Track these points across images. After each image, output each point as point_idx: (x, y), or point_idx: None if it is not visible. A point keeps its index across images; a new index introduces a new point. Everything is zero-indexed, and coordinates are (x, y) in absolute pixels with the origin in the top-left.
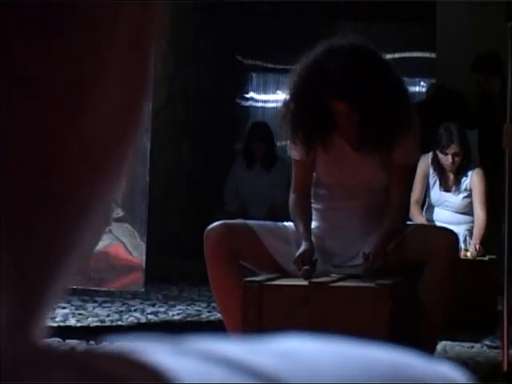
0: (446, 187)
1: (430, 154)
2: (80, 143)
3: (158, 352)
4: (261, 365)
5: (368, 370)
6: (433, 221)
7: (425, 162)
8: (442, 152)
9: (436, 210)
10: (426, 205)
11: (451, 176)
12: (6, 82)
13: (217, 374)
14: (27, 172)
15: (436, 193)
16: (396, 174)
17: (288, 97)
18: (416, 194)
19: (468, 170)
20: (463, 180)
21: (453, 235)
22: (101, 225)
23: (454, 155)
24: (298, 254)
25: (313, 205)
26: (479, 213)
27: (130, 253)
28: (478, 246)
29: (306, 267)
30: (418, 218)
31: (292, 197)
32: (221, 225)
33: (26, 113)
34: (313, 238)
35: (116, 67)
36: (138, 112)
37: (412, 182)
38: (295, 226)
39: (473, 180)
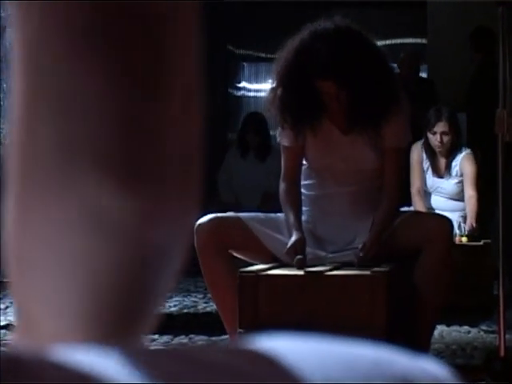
0: (438, 173)
1: (423, 138)
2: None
3: None
4: (245, 367)
5: (351, 368)
6: (432, 208)
7: (418, 149)
8: (430, 131)
9: (432, 196)
10: (422, 192)
11: (443, 161)
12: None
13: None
14: None
15: (429, 179)
16: (387, 159)
17: (275, 81)
18: (416, 182)
19: (458, 154)
20: (453, 164)
21: (447, 221)
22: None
23: (442, 134)
24: (289, 244)
25: (304, 192)
26: (470, 192)
27: None
28: (474, 225)
29: (299, 257)
30: (420, 208)
31: (282, 186)
32: (211, 218)
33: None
34: (306, 225)
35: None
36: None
37: (403, 165)
38: (285, 215)
39: (463, 164)
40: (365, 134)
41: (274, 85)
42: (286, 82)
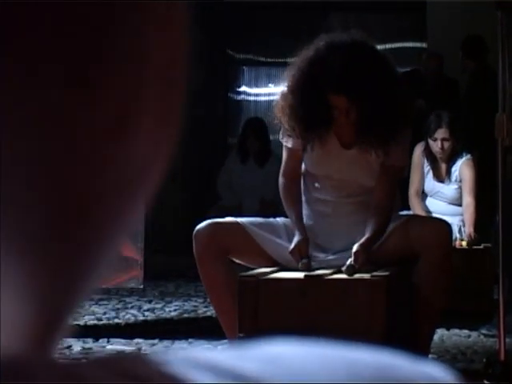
0: (438, 177)
1: (424, 143)
2: (118, 174)
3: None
4: (245, 369)
5: (353, 372)
6: (428, 211)
7: (420, 150)
8: (431, 137)
9: (430, 199)
10: (420, 193)
11: (443, 166)
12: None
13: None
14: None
15: (429, 182)
16: (380, 173)
17: (287, 89)
18: (415, 184)
19: (458, 159)
20: (453, 170)
21: (446, 225)
22: (121, 239)
23: (442, 140)
24: (292, 246)
25: (304, 193)
26: (467, 198)
27: (129, 249)
28: (473, 235)
29: (304, 260)
30: (417, 209)
31: (281, 181)
32: (209, 224)
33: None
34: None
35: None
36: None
37: (395, 183)
38: (287, 211)
39: (462, 170)
40: (372, 151)
41: (286, 91)
42: (297, 91)
